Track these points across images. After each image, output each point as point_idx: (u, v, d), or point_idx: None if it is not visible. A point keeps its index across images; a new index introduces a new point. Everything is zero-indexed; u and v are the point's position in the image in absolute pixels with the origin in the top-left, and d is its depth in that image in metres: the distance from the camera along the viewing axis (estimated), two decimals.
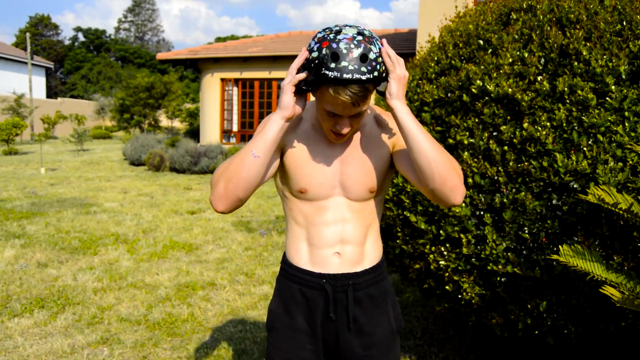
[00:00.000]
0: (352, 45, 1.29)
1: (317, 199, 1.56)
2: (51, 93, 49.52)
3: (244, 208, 8.16)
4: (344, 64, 1.27)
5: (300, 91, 1.42)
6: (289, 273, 1.64)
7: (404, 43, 13.37)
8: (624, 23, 2.23)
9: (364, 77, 1.28)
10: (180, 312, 3.96)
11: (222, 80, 14.66)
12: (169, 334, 3.58)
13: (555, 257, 1.94)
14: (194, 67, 15.63)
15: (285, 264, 1.66)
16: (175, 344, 3.44)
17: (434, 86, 2.69)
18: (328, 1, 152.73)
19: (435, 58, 2.82)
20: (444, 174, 1.39)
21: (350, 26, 1.34)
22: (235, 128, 14.79)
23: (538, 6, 2.55)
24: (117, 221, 7.03)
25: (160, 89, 22.71)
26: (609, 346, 2.45)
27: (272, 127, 1.42)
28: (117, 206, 8.13)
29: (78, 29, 66.53)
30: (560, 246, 1.98)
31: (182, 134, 18.85)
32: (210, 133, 14.80)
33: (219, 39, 58.00)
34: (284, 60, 13.91)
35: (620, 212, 1.81)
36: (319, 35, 1.35)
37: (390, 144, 1.57)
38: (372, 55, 1.30)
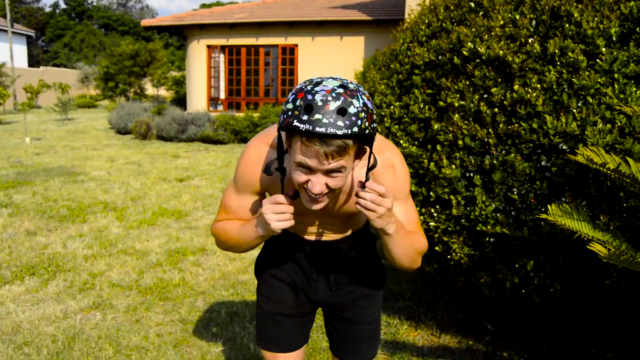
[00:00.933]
0: (330, 98, 1.15)
1: (294, 232, 1.64)
2: (33, 62, 48.44)
3: (232, 175, 8.14)
4: (317, 116, 1.15)
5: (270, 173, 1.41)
6: (273, 240, 1.68)
7: (392, 9, 13.22)
8: None
9: (339, 132, 1.14)
10: (171, 277, 3.99)
11: (209, 47, 14.43)
12: (161, 299, 3.62)
13: (544, 216, 1.97)
14: (180, 34, 15.35)
15: (267, 247, 1.75)
16: (168, 308, 3.47)
17: (425, 49, 2.67)
18: None
19: (426, 21, 2.80)
20: (404, 266, 1.50)
21: (334, 79, 1.22)
22: (222, 95, 14.64)
23: None
24: (105, 189, 7.00)
25: (145, 56, 22.30)
26: (593, 304, 2.52)
27: (255, 241, 1.44)
28: (105, 174, 8.08)
29: None
30: (549, 206, 2.01)
31: (169, 102, 18.63)
32: (197, 101, 14.64)
33: (204, 6, 56.79)
34: (271, 27, 13.70)
35: (608, 172, 1.84)
36: (298, 86, 1.23)
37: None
38: (352, 110, 1.16)
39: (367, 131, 1.19)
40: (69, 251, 4.54)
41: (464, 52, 2.40)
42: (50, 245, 4.70)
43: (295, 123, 1.17)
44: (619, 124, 2.13)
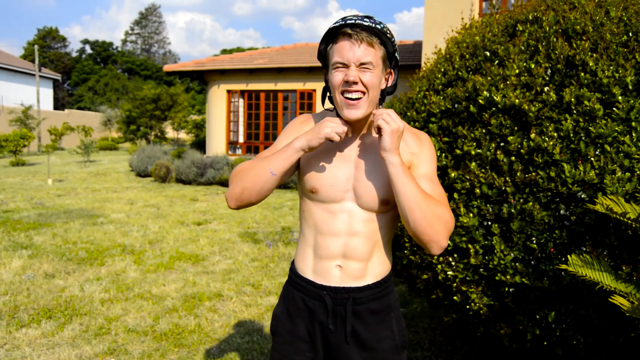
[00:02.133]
0: (360, 14, 1.46)
1: (327, 201, 1.56)
2: (58, 105, 49.92)
3: (249, 219, 8.18)
4: (348, 17, 1.44)
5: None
6: (293, 281, 1.67)
7: (409, 55, 13.43)
8: (630, 34, 2.24)
9: (365, 23, 1.41)
10: (187, 323, 3.96)
11: (228, 91, 14.75)
12: (176, 345, 3.59)
13: (564, 266, 1.94)
14: (200, 79, 15.74)
15: (292, 271, 1.70)
16: (182, 355, 3.44)
17: (441, 97, 2.70)
18: (332, 13, 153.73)
19: (442, 69, 2.84)
20: (420, 228, 1.43)
21: None
22: (241, 139, 14.85)
23: (544, 18, 2.57)
24: (124, 232, 7.05)
25: (166, 100, 22.86)
26: (618, 357, 2.43)
27: (293, 153, 1.48)
28: (124, 217, 8.16)
29: (85, 41, 67.19)
30: (568, 256, 1.98)
31: (188, 146, 18.94)
32: (216, 144, 14.86)
33: (224, 51, 58.38)
34: (290, 72, 13.99)
35: (629, 221, 1.81)
36: None
37: (407, 161, 1.56)
38: (377, 19, 1.45)
39: (388, 35, 1.45)
40: (86, 294, 4.55)
41: (480, 101, 2.42)
42: (68, 288, 4.72)
43: (331, 26, 1.45)
44: (638, 172, 2.11)
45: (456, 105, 2.60)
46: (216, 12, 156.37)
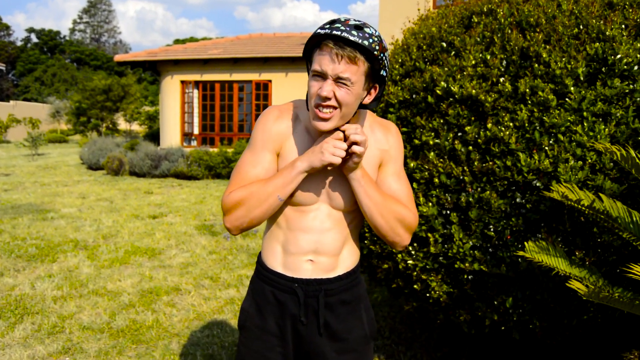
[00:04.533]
0: (352, 20, 1.38)
1: (300, 203, 1.56)
2: (3, 96, 47.78)
3: (206, 212, 8.07)
4: (336, 25, 1.36)
5: None
6: (262, 275, 1.64)
7: None
8: (581, 27, 2.31)
9: (351, 37, 1.33)
10: (144, 319, 3.88)
11: (182, 82, 14.46)
12: (133, 342, 3.50)
13: (521, 253, 1.99)
14: (153, 69, 15.36)
15: (260, 265, 1.66)
16: (141, 352, 3.36)
17: (399, 88, 2.72)
18: (287, 3, 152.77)
19: (400, 60, 2.86)
20: (383, 232, 1.52)
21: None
22: (196, 131, 14.60)
23: (498, 10, 2.61)
24: (76, 227, 6.83)
25: (118, 91, 22.21)
26: (572, 339, 2.53)
27: (296, 176, 1.47)
28: (76, 211, 7.90)
29: (31, 30, 64.45)
30: (525, 243, 2.03)
31: (142, 138, 18.50)
32: (171, 136, 14.56)
33: (177, 41, 57.13)
34: (245, 62, 13.82)
35: (583, 208, 1.87)
36: None
37: (377, 160, 1.57)
38: (368, 30, 1.36)
39: (375, 53, 1.36)
40: (37, 292, 4.38)
41: (438, 91, 2.45)
42: (18, 286, 4.54)
43: (317, 31, 1.37)
44: (589, 160, 2.18)
45: (414, 96, 2.62)
46: (168, 1, 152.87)
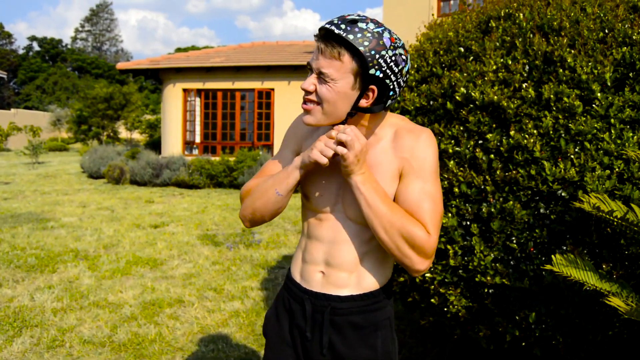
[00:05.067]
0: (355, 15, 1.30)
1: (317, 209, 1.49)
2: (4, 104, 47.78)
3: (208, 221, 7.97)
4: (334, 19, 1.31)
5: None
6: (286, 281, 1.62)
7: None
8: (606, 30, 2.22)
9: (335, 30, 1.26)
10: (147, 332, 3.76)
11: (184, 90, 14.40)
12: (135, 356, 3.39)
13: (548, 267, 1.89)
14: (155, 78, 15.31)
15: (288, 271, 1.64)
16: None
17: (415, 94, 2.63)
18: (287, 13, 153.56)
19: (415, 65, 2.77)
20: (389, 251, 1.37)
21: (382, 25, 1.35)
22: (197, 139, 14.53)
23: (517, 14, 2.52)
24: (76, 236, 6.72)
25: (119, 99, 22.17)
26: (596, 355, 2.41)
27: (294, 174, 1.42)
28: (76, 221, 7.80)
29: (33, 38, 64.61)
30: (552, 256, 1.93)
31: (143, 146, 18.42)
32: (172, 144, 14.48)
33: (179, 50, 57.20)
34: (247, 71, 13.78)
35: (616, 220, 1.77)
36: None
37: (398, 170, 1.42)
38: (361, 25, 1.27)
39: (362, 49, 1.25)
40: (36, 304, 4.27)
41: (457, 97, 2.36)
42: (17, 297, 4.42)
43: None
44: (617, 169, 2.08)
45: (431, 102, 2.53)
46: (169, 10, 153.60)
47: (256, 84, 13.90)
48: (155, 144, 17.70)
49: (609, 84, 2.11)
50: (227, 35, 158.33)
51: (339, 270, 1.46)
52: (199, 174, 11.78)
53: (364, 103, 1.34)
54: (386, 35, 1.29)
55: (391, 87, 1.33)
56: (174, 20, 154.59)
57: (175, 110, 14.45)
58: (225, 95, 14.20)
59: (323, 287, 1.48)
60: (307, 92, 1.34)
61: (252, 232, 7.20)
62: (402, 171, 1.40)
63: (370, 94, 1.33)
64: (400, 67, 1.33)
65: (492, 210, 2.21)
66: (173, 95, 14.49)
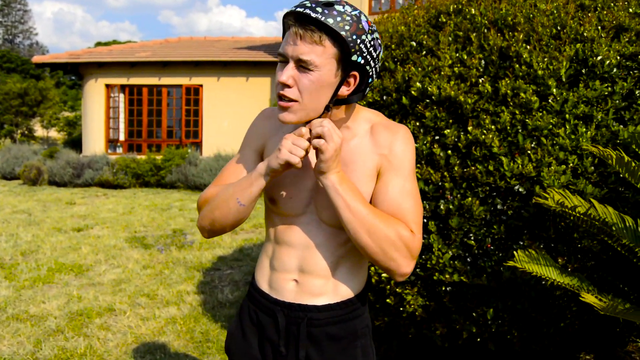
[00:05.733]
0: None
1: (286, 213, 1.34)
2: None
3: (136, 222, 7.58)
4: (304, 2, 1.18)
5: None
6: (250, 292, 1.46)
7: None
8: (559, 27, 2.24)
9: (312, 14, 1.14)
10: (75, 346, 3.46)
11: (107, 86, 13.69)
12: None
13: (511, 263, 1.86)
14: (75, 73, 14.44)
15: (251, 282, 1.48)
16: None
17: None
18: (213, 9, 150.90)
19: None
20: (371, 256, 1.24)
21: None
22: (122, 137, 13.86)
23: (468, 9, 2.50)
24: None
25: (34, 95, 20.79)
26: (549, 346, 2.44)
27: (259, 182, 1.26)
28: None
29: None
30: (514, 252, 1.91)
31: (61, 145, 17.38)
32: (94, 143, 13.73)
33: (99, 44, 54.53)
34: (175, 66, 13.30)
35: (578, 215, 1.76)
36: None
37: (376, 167, 1.31)
38: (338, 7, 1.17)
39: (343, 33, 1.15)
40: None
41: (413, 92, 2.30)
42: None
43: (289, 9, 1.19)
44: (571, 164, 2.10)
45: (385, 97, 2.46)
46: (87, 3, 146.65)
47: (184, 80, 13.45)
48: (75, 143, 16.74)
49: (564, 80, 2.12)
50: (150, 31, 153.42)
51: (314, 277, 1.34)
52: (124, 174, 11.23)
53: (344, 91, 1.22)
54: (363, 18, 1.20)
55: (371, 73, 1.23)
56: (92, 13, 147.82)
57: (98, 107, 13.71)
58: (151, 92, 13.64)
59: (297, 297, 1.35)
60: (285, 86, 1.19)
61: (184, 233, 6.92)
62: (380, 169, 1.30)
63: (352, 80, 1.22)
64: (378, 52, 1.24)
65: (451, 207, 2.17)
66: (95, 91, 13.74)
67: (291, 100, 1.20)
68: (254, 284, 1.45)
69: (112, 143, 13.88)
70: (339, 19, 1.15)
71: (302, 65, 1.17)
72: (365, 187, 1.30)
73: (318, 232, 1.33)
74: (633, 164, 1.72)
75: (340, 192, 1.21)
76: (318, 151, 1.19)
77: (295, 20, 1.16)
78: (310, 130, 1.20)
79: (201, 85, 13.45)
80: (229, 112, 13.03)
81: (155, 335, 3.68)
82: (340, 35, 1.15)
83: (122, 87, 13.71)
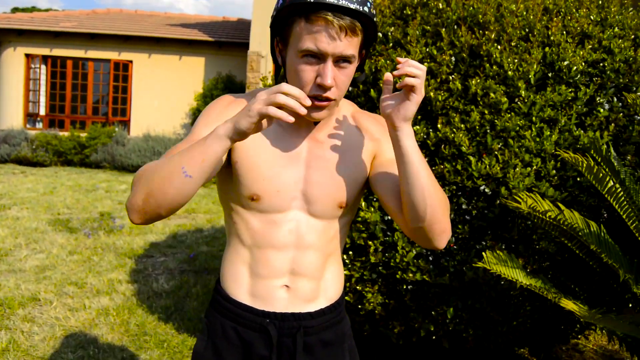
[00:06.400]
0: None
1: (270, 210, 1.21)
2: None
3: (59, 204, 7.13)
4: None
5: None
6: (222, 306, 1.27)
7: (234, 32, 13.04)
8: (527, 30, 2.25)
9: (352, 5, 1.03)
10: None
11: (27, 56, 12.72)
12: None
13: (480, 264, 1.87)
14: None
15: (219, 294, 1.29)
16: None
17: None
18: None
19: None
20: (438, 215, 1.12)
21: None
22: (42, 112, 12.96)
23: (434, 3, 2.46)
24: None
25: None
26: (502, 345, 2.49)
27: (216, 147, 1.03)
28: None
29: None
30: (483, 253, 1.91)
31: None
32: (11, 116, 12.75)
33: (16, 10, 50.76)
34: (103, 39, 12.55)
35: (549, 220, 1.78)
36: None
37: (370, 153, 1.26)
38: None
39: (375, 19, 1.10)
40: None
41: (381, 85, 2.23)
42: None
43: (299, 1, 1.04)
44: (535, 167, 2.12)
45: (351, 89, 2.38)
46: None
47: (112, 55, 12.74)
48: None
49: (532, 82, 2.13)
50: (72, 1, 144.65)
51: (307, 280, 1.24)
52: (45, 150, 10.54)
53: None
54: None
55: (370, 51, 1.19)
56: None
57: (16, 78, 12.72)
58: (77, 65, 12.81)
59: (290, 305, 1.24)
60: (327, 88, 1.08)
61: (112, 216, 6.57)
62: (377, 153, 1.26)
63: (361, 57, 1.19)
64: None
65: None
66: (13, 60, 12.73)
67: (329, 99, 1.10)
68: (226, 296, 1.27)
69: (31, 117, 12.96)
70: (368, 4, 1.07)
71: (341, 61, 1.08)
72: (365, 171, 1.26)
73: (308, 229, 1.22)
74: (601, 172, 1.75)
75: (417, 146, 1.12)
76: (408, 92, 1.07)
77: (334, 13, 1.03)
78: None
79: (131, 61, 12.80)
80: (160, 91, 12.51)
81: (86, 328, 3.45)
82: (373, 21, 1.09)
83: (44, 58, 12.80)
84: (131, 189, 1.11)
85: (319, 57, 1.07)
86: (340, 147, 1.23)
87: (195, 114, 11.62)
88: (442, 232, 1.15)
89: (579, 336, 3.05)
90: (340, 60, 1.08)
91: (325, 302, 1.28)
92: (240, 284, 1.25)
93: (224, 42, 12.44)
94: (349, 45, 1.06)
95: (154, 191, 1.05)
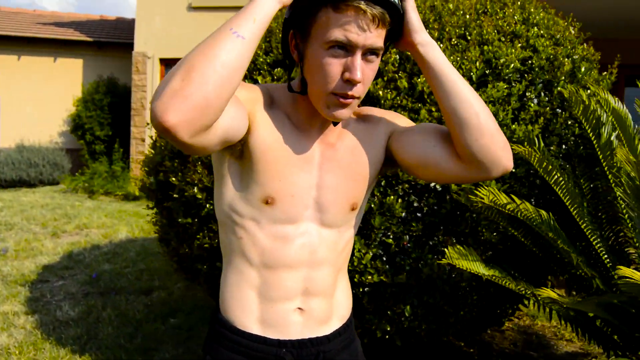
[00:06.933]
0: None
1: (283, 219, 1.10)
2: None
3: None
4: None
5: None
6: (228, 339, 1.13)
7: (114, 32, 12.28)
8: (463, 28, 2.32)
9: None
10: None
11: None
12: None
13: (445, 260, 1.89)
14: None
15: (223, 325, 1.14)
16: None
17: (270, 79, 2.36)
18: None
19: (263, 47, 2.49)
20: (492, 125, 1.04)
21: None
22: None
23: None
24: None
25: None
26: (453, 336, 2.56)
27: (266, 6, 0.94)
28: None
29: None
30: (445, 249, 1.93)
31: None
32: None
33: None
34: None
35: (508, 212, 1.84)
36: None
37: (384, 136, 1.18)
38: None
39: (401, 11, 1.02)
40: None
41: None
42: None
43: None
44: None
45: None
46: None
47: None
48: None
49: (474, 79, 2.20)
50: None
51: (320, 300, 1.14)
52: None
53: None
54: None
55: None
56: None
57: None
58: None
59: (305, 330, 1.13)
60: (355, 83, 0.99)
61: None
62: (392, 133, 1.18)
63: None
64: None
65: (372, 206, 2.12)
66: None
67: (354, 97, 1.01)
68: (232, 327, 1.14)
69: None
70: None
71: (369, 54, 1.00)
72: (377, 164, 1.19)
73: (320, 242, 1.13)
74: (550, 164, 1.85)
75: (448, 64, 1.06)
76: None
77: (366, 2, 0.95)
78: None
79: None
80: (33, 96, 11.42)
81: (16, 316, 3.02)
82: (400, 11, 1.01)
83: None
84: (163, 89, 0.85)
85: (347, 49, 0.98)
86: (351, 146, 1.16)
87: (76, 120, 10.74)
88: (505, 145, 1.06)
89: (511, 317, 3.24)
90: (368, 52, 1.00)
91: (339, 321, 1.20)
92: (249, 311, 1.12)
93: (104, 42, 11.66)
94: (379, 37, 0.99)
95: (199, 62, 0.86)
